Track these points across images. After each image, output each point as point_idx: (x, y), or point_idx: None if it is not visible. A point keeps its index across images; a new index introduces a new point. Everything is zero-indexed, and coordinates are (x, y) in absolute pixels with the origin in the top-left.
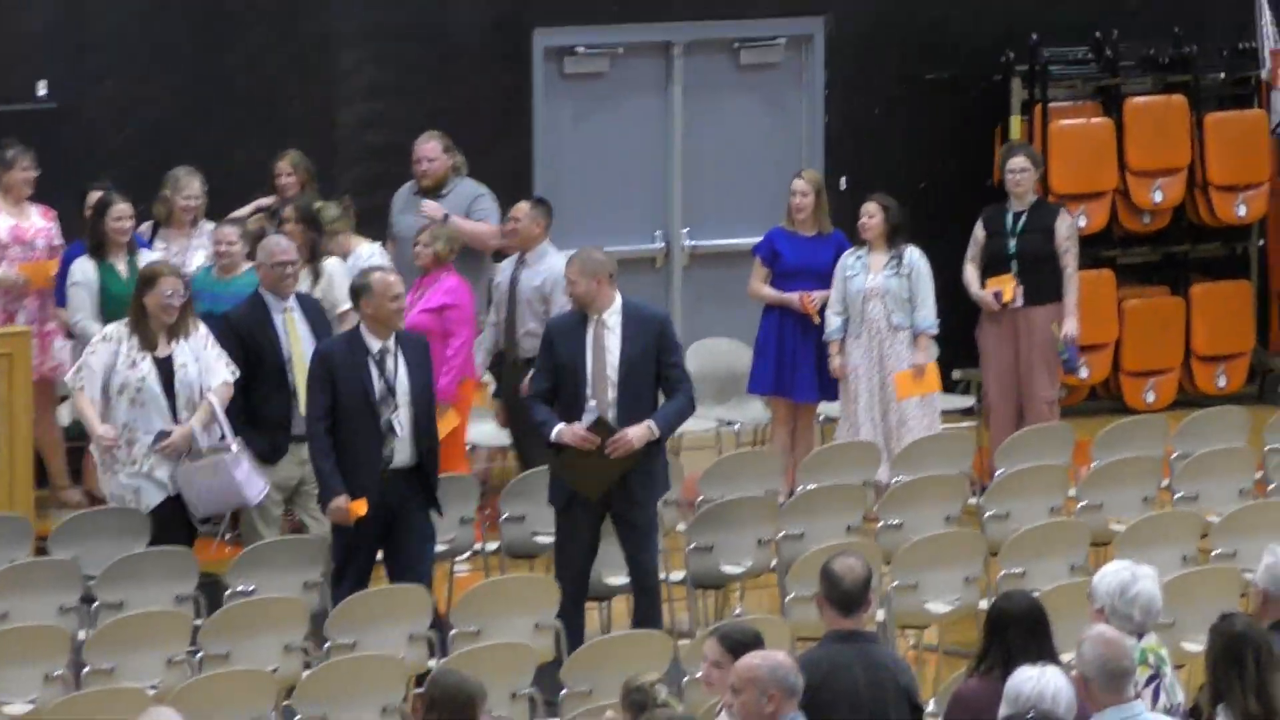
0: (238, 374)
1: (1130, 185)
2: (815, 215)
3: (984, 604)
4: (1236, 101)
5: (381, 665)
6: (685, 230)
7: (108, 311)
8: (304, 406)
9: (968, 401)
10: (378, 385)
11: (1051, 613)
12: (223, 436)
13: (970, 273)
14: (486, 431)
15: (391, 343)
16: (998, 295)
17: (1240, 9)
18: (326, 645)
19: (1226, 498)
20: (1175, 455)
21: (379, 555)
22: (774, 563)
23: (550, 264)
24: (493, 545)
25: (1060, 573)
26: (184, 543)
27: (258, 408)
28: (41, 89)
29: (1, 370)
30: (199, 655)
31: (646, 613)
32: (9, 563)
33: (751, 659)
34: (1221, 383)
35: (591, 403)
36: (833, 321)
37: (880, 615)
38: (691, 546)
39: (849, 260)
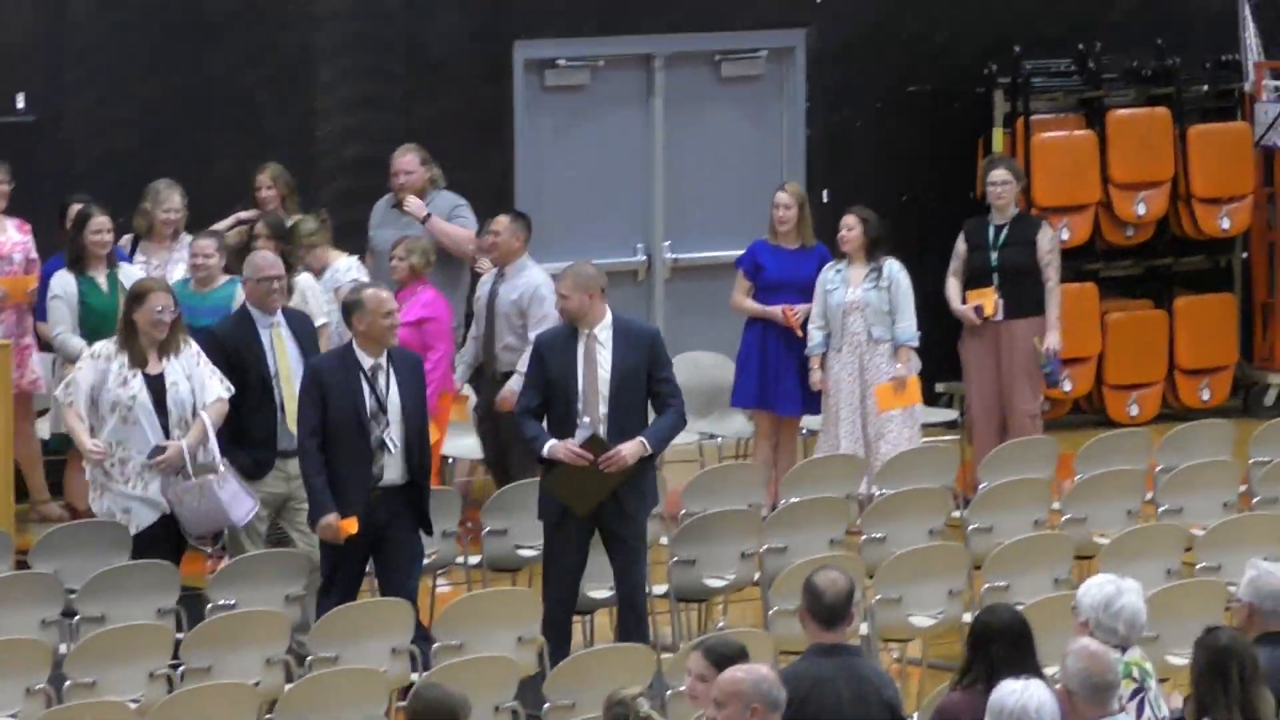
0: (232, 390)
1: (1113, 198)
2: (798, 228)
3: (968, 617)
4: (1220, 114)
5: (364, 679)
6: (667, 243)
7: (88, 325)
8: (290, 422)
9: (951, 415)
10: (369, 402)
11: (1035, 626)
12: (212, 457)
13: (952, 287)
14: (468, 445)
15: (384, 359)
16: (978, 309)
17: (1223, 21)
18: (308, 659)
19: (1211, 511)
20: (1159, 469)
21: (369, 570)
22: (757, 576)
23: (528, 278)
24: (474, 559)
25: (1044, 586)
26: (171, 562)
27: (243, 423)
28: (20, 102)
29: None
30: (181, 669)
31: (633, 627)
32: None
33: (735, 672)
34: (1205, 396)
35: (585, 419)
36: (814, 336)
37: (864, 629)
38: (674, 560)
39: (829, 274)
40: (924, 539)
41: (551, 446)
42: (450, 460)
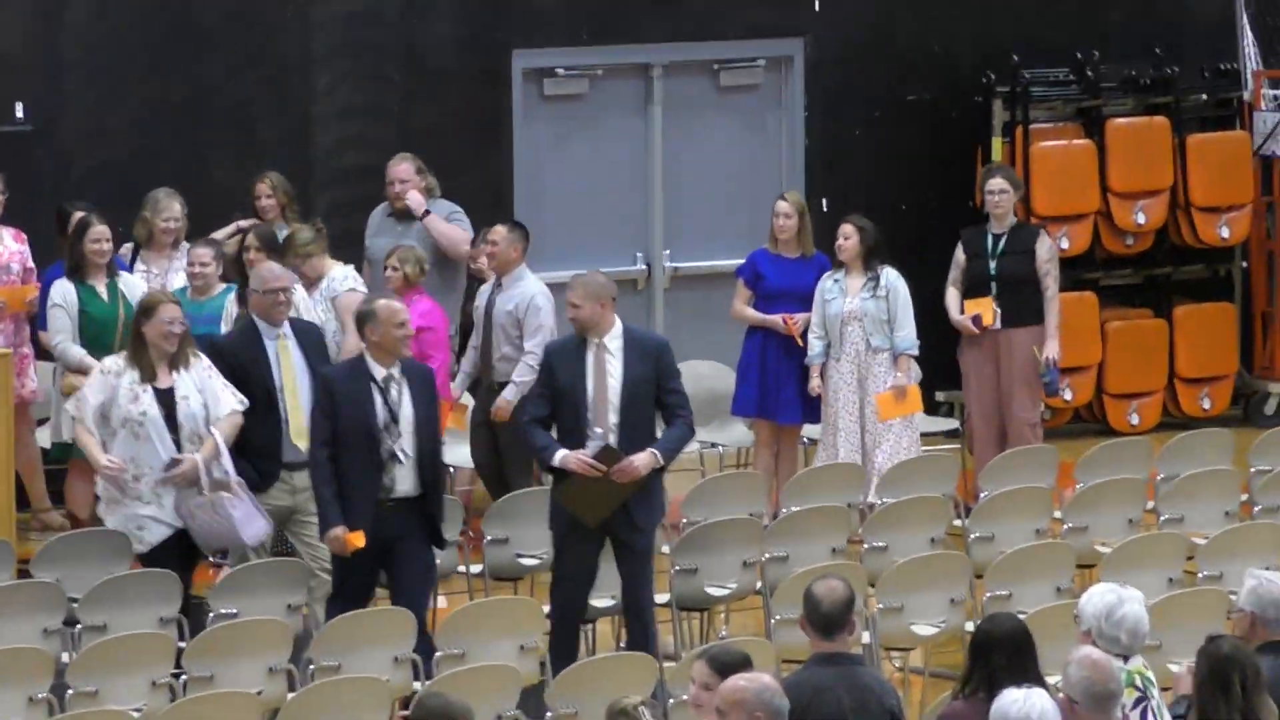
0: (245, 403)
1: (1112, 207)
2: (799, 237)
3: (969, 626)
4: (1219, 123)
5: (366, 688)
6: (666, 252)
7: (88, 334)
8: (294, 435)
9: (951, 423)
10: (381, 413)
11: (1037, 635)
12: (226, 473)
13: (951, 296)
14: (468, 454)
15: (397, 371)
16: (976, 319)
17: (1222, 30)
18: (311, 668)
19: (1212, 520)
20: (1160, 478)
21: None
22: (759, 585)
23: (524, 288)
24: (476, 568)
25: (1046, 595)
26: (183, 578)
27: (246, 436)
28: (19, 111)
29: None
30: (183, 678)
31: (639, 637)
32: None
33: (737, 681)
34: (1206, 405)
35: (598, 429)
36: (814, 345)
37: (865, 637)
38: (676, 569)
39: (827, 284)
40: (925, 548)
41: (563, 457)
42: (451, 470)
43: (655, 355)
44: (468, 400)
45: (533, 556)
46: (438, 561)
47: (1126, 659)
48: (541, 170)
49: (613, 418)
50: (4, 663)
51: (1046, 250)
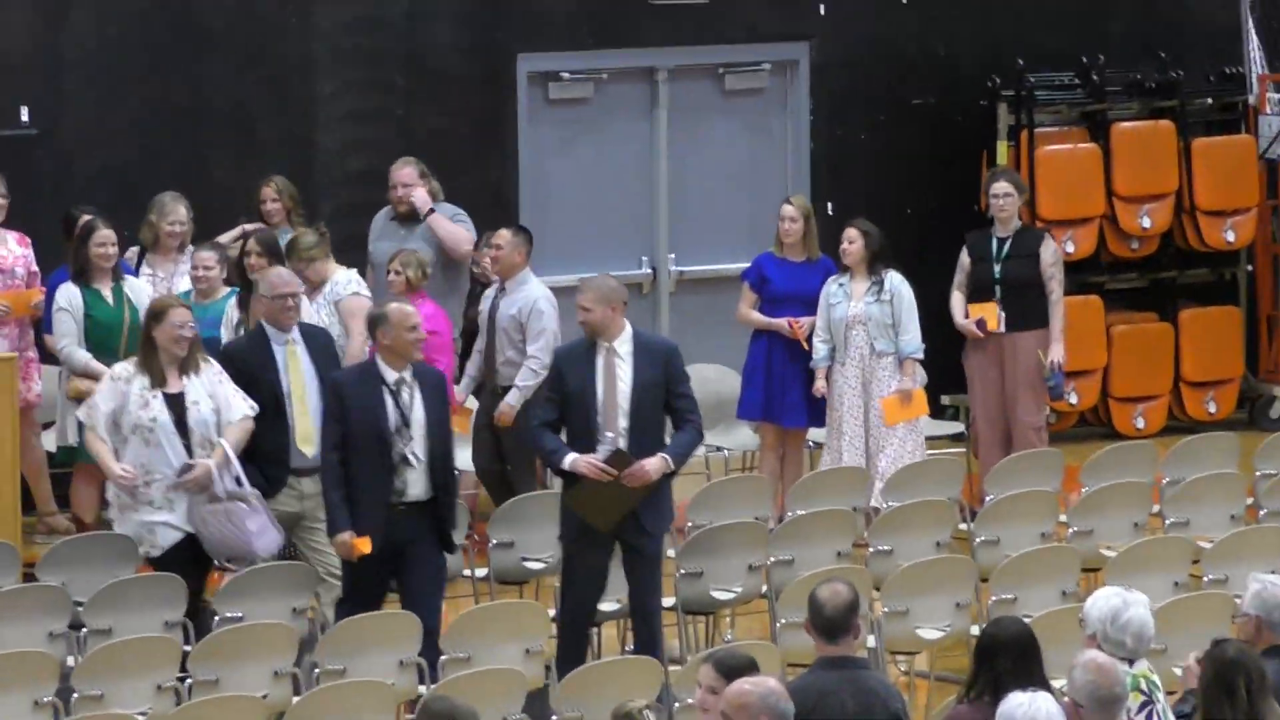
0: (256, 409)
1: (1118, 211)
2: (804, 241)
3: (975, 630)
4: (1224, 127)
5: (371, 691)
6: (672, 256)
7: (93, 337)
8: (300, 441)
9: (956, 427)
10: (392, 416)
11: (1043, 639)
12: (240, 483)
13: (955, 300)
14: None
15: (408, 374)
16: (980, 323)
17: (1227, 34)
18: (316, 671)
19: (1217, 524)
20: (1166, 481)
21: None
22: (764, 588)
23: (526, 292)
24: (482, 572)
25: (1051, 599)
26: (195, 583)
27: (255, 441)
28: (24, 114)
29: None
30: (188, 682)
31: (647, 641)
32: None
33: (742, 685)
34: (1211, 408)
35: (609, 434)
36: (819, 349)
37: (871, 641)
38: (681, 572)
39: (831, 288)
40: (931, 551)
41: (573, 460)
42: (457, 473)
43: (665, 360)
44: (473, 404)
45: (538, 560)
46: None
47: (1132, 663)
48: (546, 174)
49: (622, 422)
50: (9, 666)
51: (1051, 254)
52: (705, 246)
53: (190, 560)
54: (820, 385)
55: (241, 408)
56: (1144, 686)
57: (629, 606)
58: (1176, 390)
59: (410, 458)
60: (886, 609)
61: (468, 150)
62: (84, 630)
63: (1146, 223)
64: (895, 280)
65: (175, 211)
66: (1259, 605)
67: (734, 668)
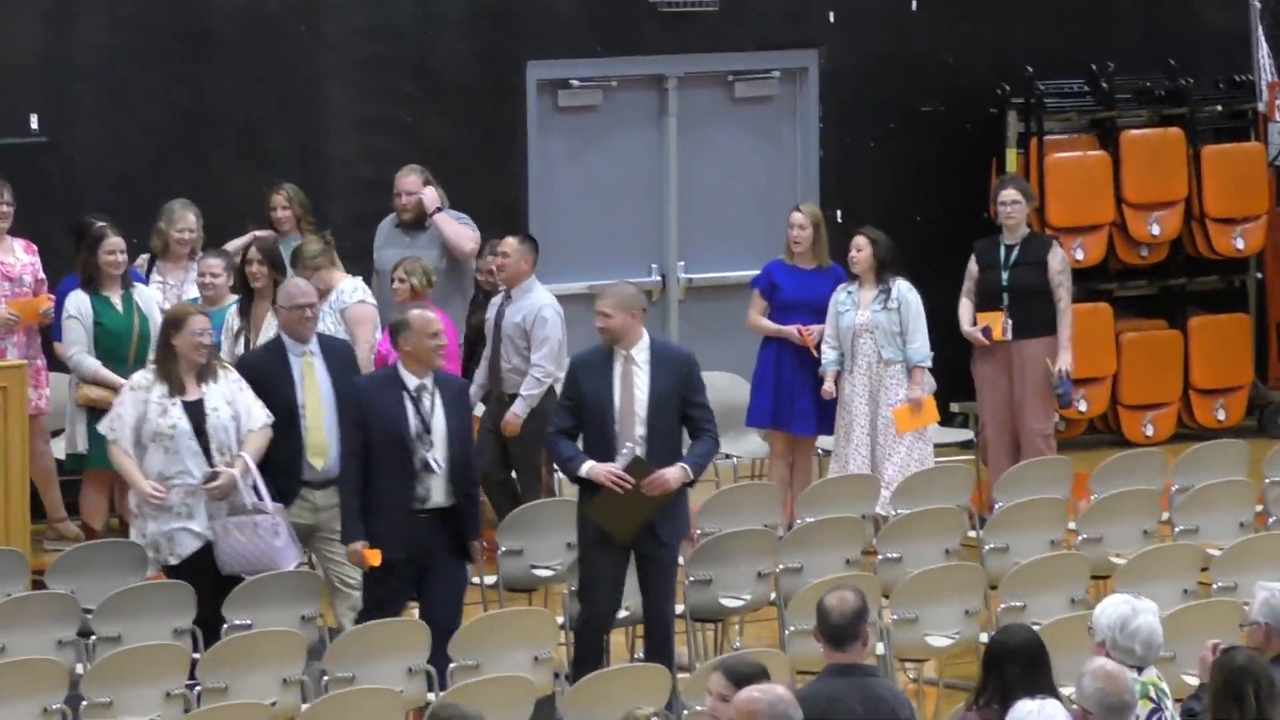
0: (273, 417)
1: (1127, 218)
2: (814, 249)
3: (984, 637)
4: (1233, 134)
5: (380, 698)
6: (681, 263)
7: (102, 345)
8: (312, 454)
9: (965, 435)
10: (413, 423)
11: (1052, 646)
12: (260, 496)
13: (964, 308)
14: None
15: (430, 381)
16: (986, 331)
17: (1236, 42)
18: (325, 678)
19: (1227, 531)
20: (1175, 489)
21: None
22: (773, 596)
23: (531, 300)
24: (490, 579)
25: (1060, 606)
26: (211, 593)
27: (268, 451)
28: (34, 123)
29: None
30: (197, 689)
31: (659, 649)
32: (5, 597)
33: (751, 692)
34: (1220, 416)
35: (628, 445)
36: (828, 355)
37: (880, 648)
38: (690, 580)
39: (840, 296)
40: (940, 559)
41: (590, 468)
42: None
43: (682, 369)
44: (479, 411)
45: (547, 568)
46: None
47: (1141, 670)
48: (556, 182)
49: (639, 430)
50: (18, 674)
51: (1059, 261)
52: (714, 254)
53: (208, 569)
54: (829, 389)
55: (260, 416)
56: (1153, 694)
57: (642, 615)
58: (1186, 397)
59: (432, 464)
60: (895, 616)
61: (477, 158)
62: (93, 638)
63: (1156, 230)
64: (903, 288)
65: (184, 219)
66: (1268, 613)
67: (745, 675)
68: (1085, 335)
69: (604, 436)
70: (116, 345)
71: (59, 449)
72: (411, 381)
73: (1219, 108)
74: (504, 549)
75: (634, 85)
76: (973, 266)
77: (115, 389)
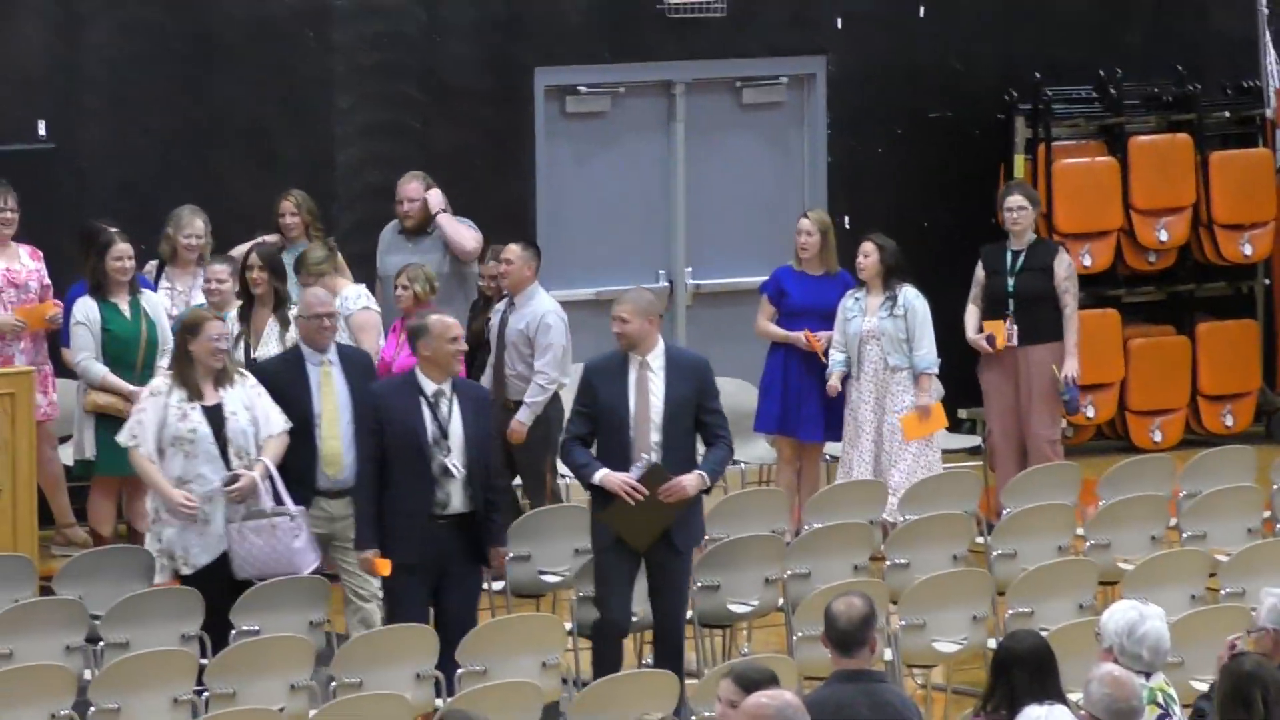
0: (290, 424)
1: (1135, 224)
2: (822, 255)
3: (992, 643)
4: (1241, 140)
5: (388, 704)
6: (689, 269)
7: (110, 351)
8: (327, 464)
9: (973, 440)
10: (430, 428)
11: (1060, 652)
12: (279, 500)
13: (970, 314)
14: None
15: (448, 387)
16: (990, 339)
17: (1244, 47)
18: (332, 684)
19: (1234, 537)
20: (1183, 494)
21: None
22: (781, 602)
23: (535, 307)
24: (498, 584)
25: (1068, 612)
26: (222, 603)
27: (282, 460)
28: (41, 129)
29: (4, 410)
30: (205, 695)
31: (669, 656)
32: (13, 602)
33: (759, 698)
34: (1228, 422)
35: (644, 457)
36: (835, 357)
37: (888, 654)
38: (698, 585)
39: (848, 302)
40: (948, 564)
41: (604, 477)
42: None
43: (697, 375)
44: None
45: (555, 573)
46: None
47: (1148, 676)
48: (563, 188)
49: (654, 437)
50: (26, 680)
51: (1065, 268)
52: (722, 260)
53: (224, 578)
54: (834, 385)
55: (279, 422)
56: (1160, 699)
57: (653, 621)
58: (1194, 403)
59: (451, 469)
60: (903, 622)
61: (485, 164)
62: (101, 643)
63: (1164, 236)
64: (909, 295)
65: (192, 224)
66: (1276, 619)
67: (755, 681)
68: (1093, 341)
69: (619, 443)
70: (124, 351)
71: (67, 455)
72: (429, 387)
73: (1227, 114)
74: (512, 554)
75: (642, 91)
76: (979, 272)
77: (123, 395)
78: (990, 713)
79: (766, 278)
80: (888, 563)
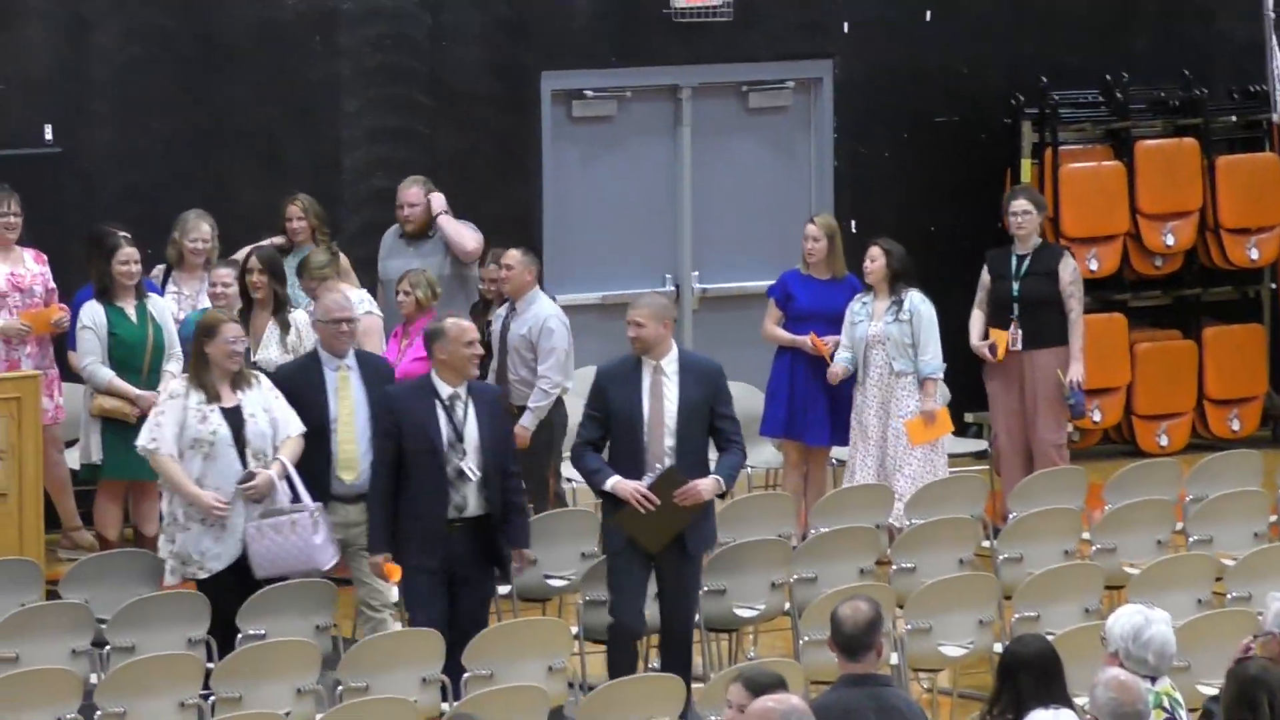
0: (304, 428)
1: (1141, 228)
2: (829, 259)
3: (998, 647)
4: (1247, 144)
5: (394, 708)
6: (695, 273)
7: (116, 356)
8: (341, 469)
9: (979, 445)
10: (445, 431)
11: (1066, 656)
12: (296, 497)
13: (975, 319)
14: None
15: (463, 390)
16: (993, 349)
17: (1250, 52)
18: (339, 688)
19: (1241, 541)
20: (1189, 499)
21: None
22: (787, 606)
23: (536, 311)
24: (504, 589)
25: (1074, 616)
26: (235, 608)
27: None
28: (48, 133)
29: (10, 414)
30: (211, 699)
31: (678, 660)
32: (19, 606)
33: (766, 702)
34: (1235, 426)
35: (658, 465)
36: (842, 354)
37: (894, 658)
38: (704, 589)
39: (855, 306)
40: (954, 569)
41: (615, 484)
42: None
43: (710, 379)
44: None
45: (561, 578)
46: None
47: (1154, 680)
48: (570, 192)
49: (668, 441)
50: (32, 684)
51: (1070, 272)
52: (728, 264)
53: (238, 583)
54: (834, 372)
55: (296, 425)
56: (1166, 704)
57: (660, 625)
58: (1200, 408)
59: (467, 472)
60: (909, 626)
61: (492, 168)
62: (107, 648)
63: (1170, 240)
64: (915, 299)
65: (198, 228)
66: None
67: (765, 686)
68: (1099, 345)
69: (633, 448)
70: (130, 356)
71: (73, 459)
72: (445, 390)
73: (1233, 118)
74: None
75: (648, 95)
76: (985, 277)
77: (129, 399)
78: (996, 717)
79: (773, 282)
80: (894, 567)
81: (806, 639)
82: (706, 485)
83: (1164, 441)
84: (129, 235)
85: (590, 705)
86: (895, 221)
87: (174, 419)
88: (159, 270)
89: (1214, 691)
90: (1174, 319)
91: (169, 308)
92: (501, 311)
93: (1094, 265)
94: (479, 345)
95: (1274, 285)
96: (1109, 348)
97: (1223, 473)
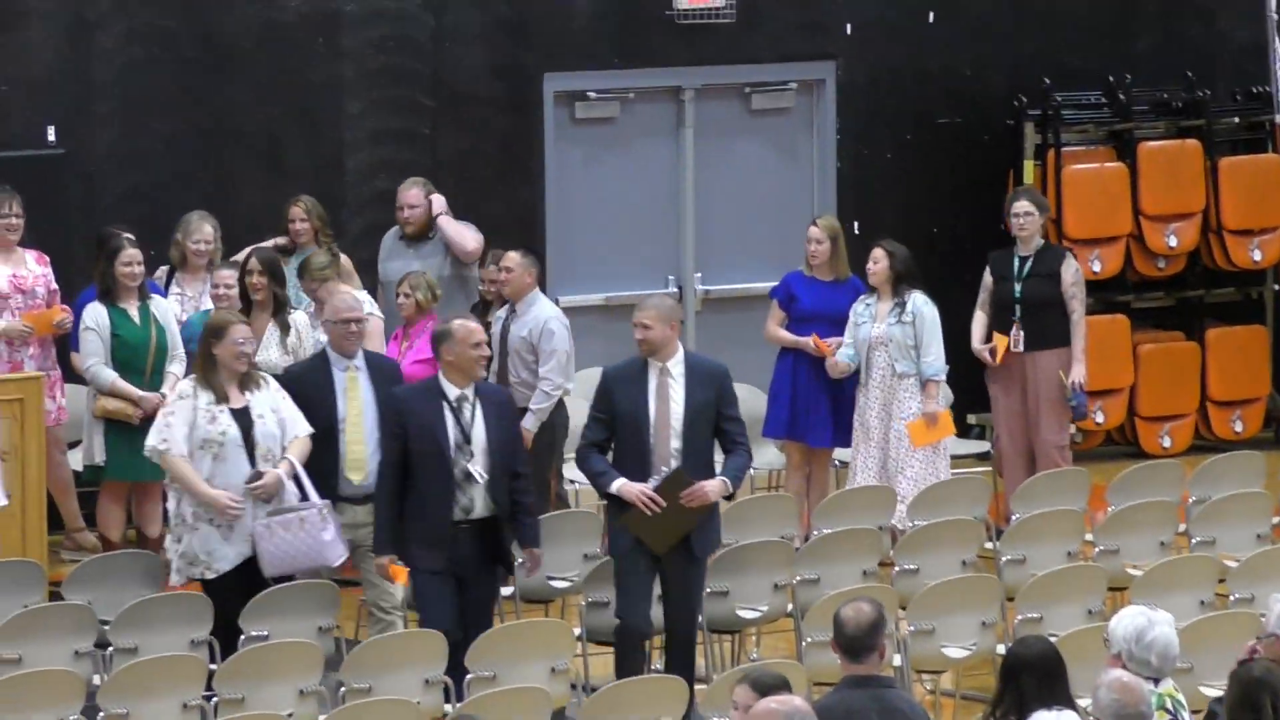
0: (311, 430)
1: (1144, 230)
2: (832, 261)
3: (1001, 649)
4: (1251, 146)
5: (397, 709)
6: (698, 275)
7: (119, 357)
8: (350, 470)
9: (982, 446)
10: (452, 433)
11: (1069, 657)
12: (304, 496)
13: (977, 321)
14: None
15: (471, 391)
16: (993, 352)
17: (1253, 53)
18: (342, 690)
19: (1244, 542)
20: (1192, 500)
21: None
22: (790, 607)
23: (536, 313)
24: (507, 590)
25: (1077, 618)
26: (239, 609)
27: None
28: (51, 134)
29: (13, 416)
30: (214, 700)
31: (681, 662)
32: (22, 607)
33: (769, 704)
34: (1238, 427)
35: (664, 469)
36: (846, 350)
37: (897, 660)
38: (707, 591)
39: (859, 308)
40: (957, 570)
41: (621, 486)
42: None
43: (716, 381)
44: None
45: (564, 579)
46: None
47: (1157, 682)
48: (572, 193)
49: (674, 443)
50: (35, 685)
51: (1072, 273)
52: (731, 266)
53: (243, 584)
54: (834, 362)
55: (304, 425)
56: (1169, 705)
57: (665, 626)
58: (1203, 409)
59: (475, 474)
60: (912, 627)
61: (494, 170)
62: (110, 649)
63: (1173, 242)
64: (918, 301)
65: (201, 230)
66: None
67: (771, 686)
68: (1102, 347)
69: (639, 449)
70: (133, 357)
71: (76, 460)
72: (452, 392)
73: (1236, 119)
74: (520, 560)
75: (651, 97)
76: (987, 278)
77: (132, 400)
78: (999, 718)
79: (775, 283)
80: (897, 568)
81: (809, 640)
82: (713, 487)
83: (1167, 443)
84: (132, 236)
85: (593, 707)
86: (898, 223)
87: (184, 419)
88: (162, 271)
89: (1217, 693)
90: (1177, 320)
91: (172, 309)
92: (501, 314)
93: (1097, 267)
94: (486, 347)
95: (1277, 286)
96: (1112, 349)
97: (1226, 474)
